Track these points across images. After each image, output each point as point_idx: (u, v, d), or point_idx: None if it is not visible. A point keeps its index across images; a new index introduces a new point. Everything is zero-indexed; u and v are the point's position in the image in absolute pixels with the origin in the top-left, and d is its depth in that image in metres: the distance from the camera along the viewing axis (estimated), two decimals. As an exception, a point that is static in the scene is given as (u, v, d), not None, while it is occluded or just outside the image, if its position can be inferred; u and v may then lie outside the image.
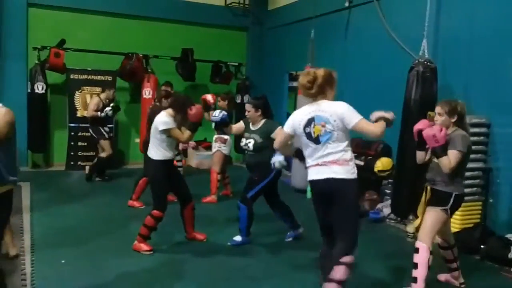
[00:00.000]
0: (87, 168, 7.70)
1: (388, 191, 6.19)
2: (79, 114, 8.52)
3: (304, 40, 7.66)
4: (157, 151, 4.44)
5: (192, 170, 8.77)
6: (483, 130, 5.13)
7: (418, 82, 5.24)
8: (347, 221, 3.12)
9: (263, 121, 4.68)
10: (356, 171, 3.13)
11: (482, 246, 4.65)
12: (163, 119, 4.40)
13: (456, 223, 5.00)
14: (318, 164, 3.12)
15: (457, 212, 4.88)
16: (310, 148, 3.16)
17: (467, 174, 4.98)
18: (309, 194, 7.13)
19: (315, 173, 3.15)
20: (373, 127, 3.07)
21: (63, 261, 4.13)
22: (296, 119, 3.22)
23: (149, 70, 9.00)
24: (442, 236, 3.79)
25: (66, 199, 6.38)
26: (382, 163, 6.07)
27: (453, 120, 3.54)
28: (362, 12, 7.24)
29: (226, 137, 6.44)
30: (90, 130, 7.56)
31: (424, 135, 3.45)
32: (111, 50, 8.73)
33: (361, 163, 6.35)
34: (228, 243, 4.80)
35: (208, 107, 6.22)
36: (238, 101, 9.67)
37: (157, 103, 6.34)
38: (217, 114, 4.60)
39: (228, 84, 9.86)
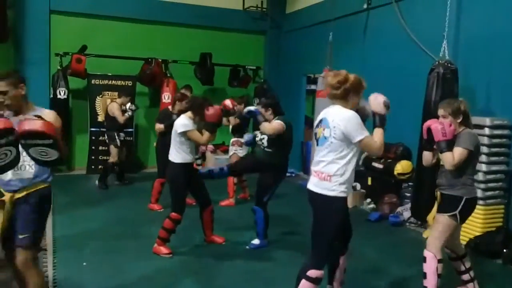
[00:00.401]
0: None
1: (408, 194, 6.11)
2: (100, 118, 8.66)
3: (322, 43, 7.64)
4: (177, 154, 4.49)
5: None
6: (505, 132, 5.03)
7: (439, 84, 5.17)
8: (315, 237, 3.04)
9: (274, 119, 4.73)
10: (340, 189, 2.90)
11: (504, 250, 4.56)
12: (183, 121, 4.47)
13: (478, 226, 4.93)
14: (311, 172, 3.07)
15: (479, 216, 4.88)
16: (315, 150, 3.09)
17: (489, 177, 4.94)
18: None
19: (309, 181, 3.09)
20: (375, 148, 2.93)
21: (84, 264, 4.20)
22: (317, 118, 3.14)
23: (168, 75, 9.10)
24: (450, 246, 3.63)
25: (87, 202, 6.48)
26: (402, 166, 6.00)
27: (459, 121, 3.41)
28: (380, 13, 7.18)
29: (243, 140, 6.47)
30: (106, 135, 7.62)
31: (433, 127, 3.34)
32: (131, 55, 8.86)
33: (381, 166, 6.30)
34: (246, 246, 4.83)
35: (227, 112, 6.32)
36: (256, 104, 9.69)
37: (168, 107, 6.42)
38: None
39: (246, 88, 9.89)
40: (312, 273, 2.96)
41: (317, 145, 3.02)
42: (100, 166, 8.54)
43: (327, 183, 2.91)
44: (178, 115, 6.30)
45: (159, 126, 6.17)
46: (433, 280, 3.36)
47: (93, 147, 8.65)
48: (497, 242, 4.65)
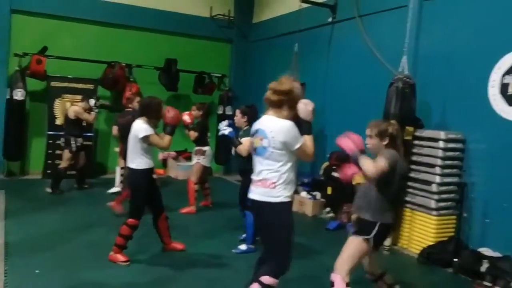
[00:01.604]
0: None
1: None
2: (58, 122, 8.42)
3: (288, 53, 7.74)
4: (140, 161, 4.35)
5: (171, 180, 8.74)
6: (459, 145, 5.24)
7: (398, 98, 5.34)
8: (269, 245, 3.08)
9: (246, 127, 4.89)
10: (285, 194, 2.97)
11: (455, 260, 4.72)
12: (142, 126, 4.30)
13: (431, 236, 5.10)
14: (253, 182, 3.09)
15: (432, 226, 5.06)
16: (255, 159, 3.10)
17: (443, 188, 5.12)
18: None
19: (251, 191, 3.11)
20: (308, 154, 3.00)
21: (37, 271, 4.05)
22: (253, 127, 3.18)
23: (132, 79, 8.98)
24: (369, 269, 3.56)
25: (42, 207, 6.27)
26: (360, 176, 6.12)
27: (384, 143, 3.28)
28: (344, 27, 7.37)
29: (205, 149, 6.51)
30: (62, 139, 7.33)
31: (342, 144, 3.31)
32: (94, 58, 8.70)
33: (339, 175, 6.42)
34: (233, 251, 4.88)
35: (186, 126, 6.47)
36: (220, 112, 9.70)
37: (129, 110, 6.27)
38: (224, 127, 4.83)
39: (211, 95, 9.89)
40: (266, 279, 2.97)
41: (256, 154, 3.05)
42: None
43: (272, 191, 2.96)
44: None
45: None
46: None
47: (50, 151, 8.38)
48: (448, 251, 4.81)
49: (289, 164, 2.98)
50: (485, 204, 5.00)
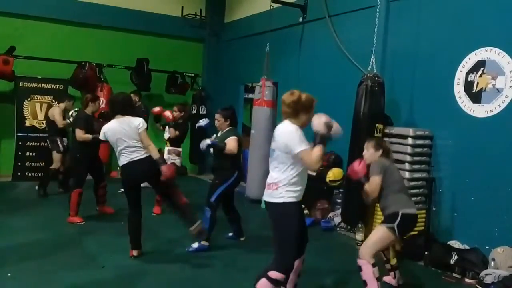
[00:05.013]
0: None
1: (339, 201, 6.37)
2: (27, 123, 8.25)
3: (260, 53, 7.80)
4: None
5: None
6: (426, 142, 5.40)
7: (367, 96, 5.47)
8: (277, 243, 3.26)
9: (227, 128, 5.00)
10: (287, 195, 3.15)
11: (426, 253, 4.87)
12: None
13: (402, 230, 5.22)
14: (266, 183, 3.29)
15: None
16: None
17: (412, 184, 5.28)
18: (263, 205, 7.22)
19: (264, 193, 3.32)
20: (310, 162, 3.10)
21: (9, 274, 3.98)
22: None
23: (103, 79, 8.86)
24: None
25: (12, 211, 6.12)
26: (334, 173, 6.25)
27: (378, 154, 3.89)
28: (315, 27, 7.48)
29: (180, 149, 6.54)
30: (48, 140, 7.21)
31: (350, 172, 3.84)
32: (64, 58, 8.55)
33: (313, 173, 6.50)
34: (186, 249, 4.87)
35: (167, 124, 6.56)
36: (194, 111, 9.69)
37: (85, 110, 6.05)
38: (203, 122, 5.26)
39: (184, 95, 9.86)
40: (273, 274, 3.15)
41: (270, 157, 3.29)
42: (27, 173, 8.17)
43: (275, 192, 3.17)
44: (99, 119, 6.17)
45: (86, 136, 5.70)
46: (374, 284, 3.54)
47: (19, 153, 8.20)
48: (419, 245, 4.96)
49: (294, 168, 3.15)
50: (453, 198, 5.18)
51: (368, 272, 3.56)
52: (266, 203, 3.28)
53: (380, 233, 3.69)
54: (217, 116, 5.06)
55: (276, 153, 3.18)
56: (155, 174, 4.38)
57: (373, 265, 3.58)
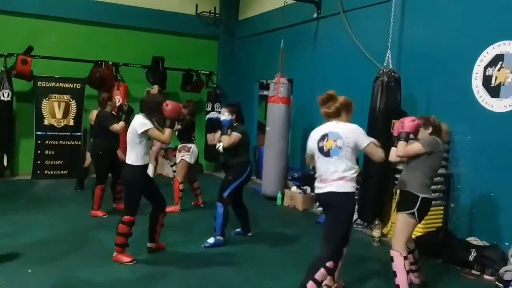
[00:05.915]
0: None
1: (355, 198, 6.31)
2: (46, 122, 8.39)
3: (274, 49, 7.80)
4: (137, 157, 4.29)
5: (162, 178, 8.71)
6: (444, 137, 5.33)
7: (383, 92, 5.43)
8: (331, 232, 3.47)
9: (234, 124, 5.03)
10: (353, 185, 3.44)
11: (444, 250, 4.81)
12: (141, 121, 4.26)
13: (420, 227, 5.15)
14: (321, 180, 3.47)
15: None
16: (321, 161, 3.48)
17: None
18: (279, 201, 7.22)
19: (319, 188, 3.50)
20: (378, 153, 3.47)
21: (29, 271, 4.06)
22: (312, 138, 3.58)
23: (119, 78, 8.95)
24: None
25: (32, 209, 6.24)
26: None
27: (428, 131, 3.81)
28: (329, 23, 7.44)
29: (190, 145, 6.50)
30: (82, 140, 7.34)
31: (396, 122, 3.80)
32: (80, 57, 8.65)
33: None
34: (202, 245, 4.92)
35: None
36: (209, 109, 9.72)
37: (106, 109, 6.12)
38: (214, 114, 5.14)
39: (199, 92, 9.90)
40: (331, 264, 3.41)
41: (329, 155, 3.43)
42: (46, 171, 8.36)
43: (346, 183, 3.39)
44: (119, 113, 6.17)
45: (122, 124, 5.82)
46: (403, 277, 3.58)
47: (38, 152, 8.35)
48: (437, 241, 4.90)
49: (354, 162, 3.46)
50: (472, 194, 5.11)
51: (399, 264, 3.60)
52: (333, 193, 3.39)
53: (402, 222, 3.69)
54: (223, 111, 5.15)
55: (345, 150, 3.37)
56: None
57: (405, 258, 3.62)
